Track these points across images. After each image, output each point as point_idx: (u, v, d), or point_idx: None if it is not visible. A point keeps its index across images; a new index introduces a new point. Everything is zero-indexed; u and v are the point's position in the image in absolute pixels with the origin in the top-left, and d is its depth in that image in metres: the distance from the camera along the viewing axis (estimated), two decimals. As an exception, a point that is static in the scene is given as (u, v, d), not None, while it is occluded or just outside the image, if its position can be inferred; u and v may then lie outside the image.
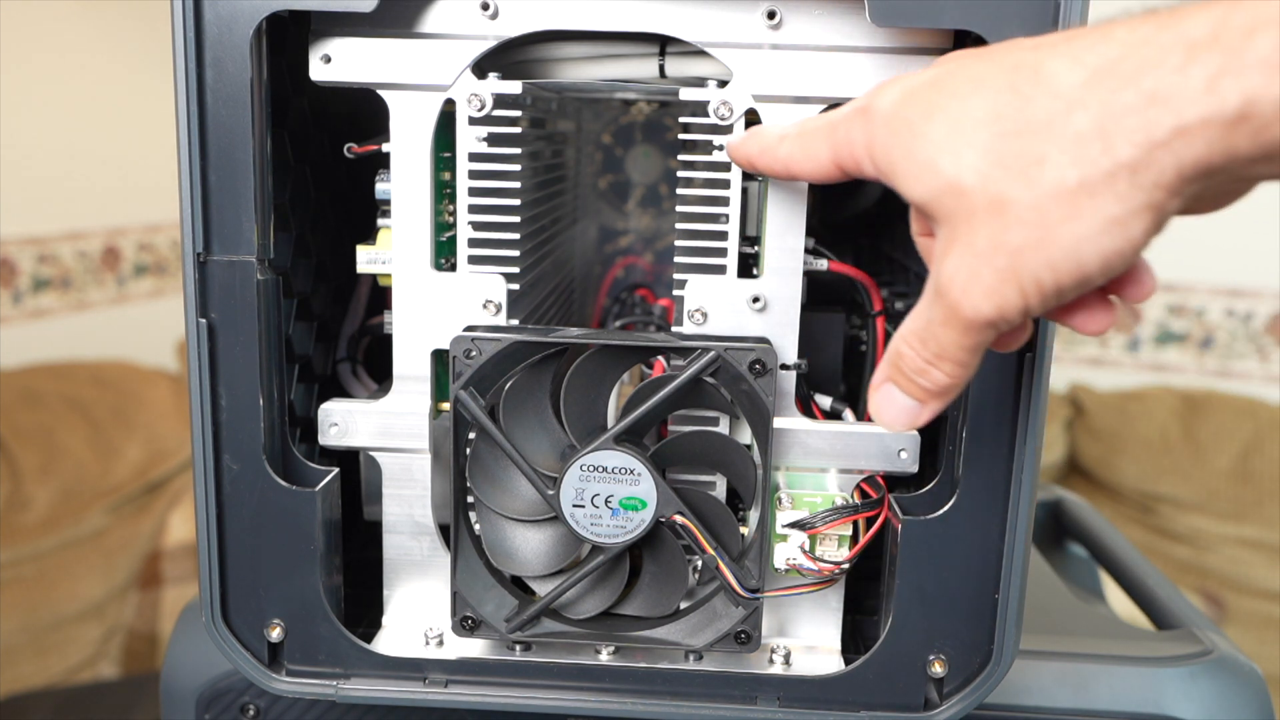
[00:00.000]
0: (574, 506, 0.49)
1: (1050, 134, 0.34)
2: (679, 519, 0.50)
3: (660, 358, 0.52)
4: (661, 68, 0.53)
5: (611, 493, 0.49)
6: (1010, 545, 0.50)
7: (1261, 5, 0.31)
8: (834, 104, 0.50)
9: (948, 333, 0.39)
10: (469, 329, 0.50)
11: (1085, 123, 0.34)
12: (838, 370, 0.63)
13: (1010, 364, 0.49)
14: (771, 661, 0.55)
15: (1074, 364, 2.36)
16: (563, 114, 0.73)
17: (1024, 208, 0.35)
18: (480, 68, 0.51)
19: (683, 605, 0.53)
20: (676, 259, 0.52)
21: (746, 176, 0.52)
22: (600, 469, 0.49)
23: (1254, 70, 0.31)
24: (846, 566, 0.52)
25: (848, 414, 0.56)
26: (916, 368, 0.41)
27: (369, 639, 0.55)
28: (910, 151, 0.38)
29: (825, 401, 0.57)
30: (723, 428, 0.54)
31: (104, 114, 2.17)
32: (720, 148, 0.51)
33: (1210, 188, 0.34)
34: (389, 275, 0.53)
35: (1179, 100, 0.32)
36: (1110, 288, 0.40)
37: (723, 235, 0.52)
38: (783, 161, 0.45)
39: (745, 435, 0.52)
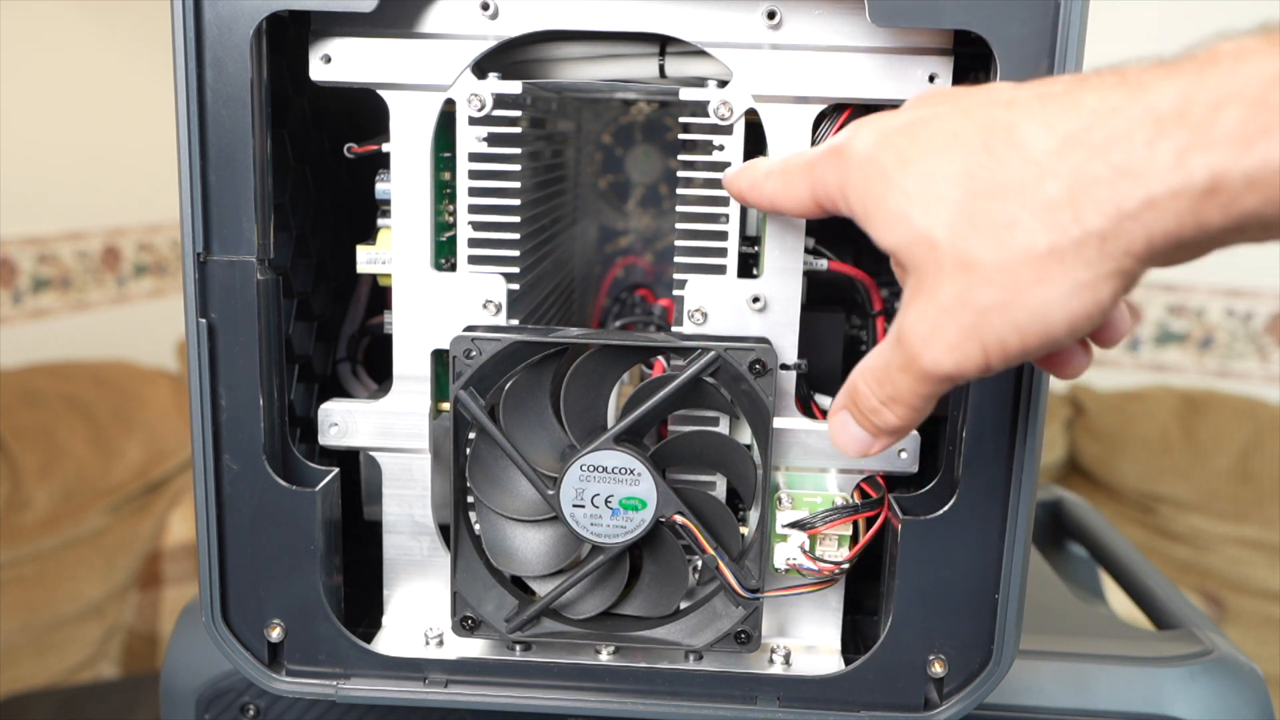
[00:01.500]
0: (574, 506, 0.49)
1: (1022, 199, 0.35)
2: (679, 519, 0.50)
3: (660, 358, 0.52)
4: (661, 68, 0.53)
5: (611, 493, 0.49)
6: (1010, 545, 0.50)
7: (1226, 78, 0.32)
8: (834, 104, 0.50)
9: (904, 379, 0.39)
10: (469, 329, 0.50)
11: (1056, 190, 0.34)
12: (838, 370, 0.63)
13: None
14: (771, 661, 0.55)
15: (1074, 364, 2.35)
16: (563, 114, 0.73)
17: (992, 269, 0.35)
18: (480, 68, 0.51)
19: (683, 605, 0.54)
20: (676, 259, 0.52)
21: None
22: (600, 469, 0.49)
23: (1221, 145, 0.31)
24: (846, 566, 0.52)
25: (848, 414, 0.56)
26: (870, 406, 0.42)
27: (369, 639, 0.55)
28: (883, 199, 0.38)
29: (825, 401, 0.57)
30: (723, 428, 0.54)
31: (104, 114, 2.17)
32: (720, 148, 0.51)
33: (1183, 250, 0.35)
34: (389, 275, 0.53)
35: (1148, 175, 0.33)
36: None
37: (723, 235, 0.52)
38: (768, 197, 0.45)
39: (745, 435, 0.52)
